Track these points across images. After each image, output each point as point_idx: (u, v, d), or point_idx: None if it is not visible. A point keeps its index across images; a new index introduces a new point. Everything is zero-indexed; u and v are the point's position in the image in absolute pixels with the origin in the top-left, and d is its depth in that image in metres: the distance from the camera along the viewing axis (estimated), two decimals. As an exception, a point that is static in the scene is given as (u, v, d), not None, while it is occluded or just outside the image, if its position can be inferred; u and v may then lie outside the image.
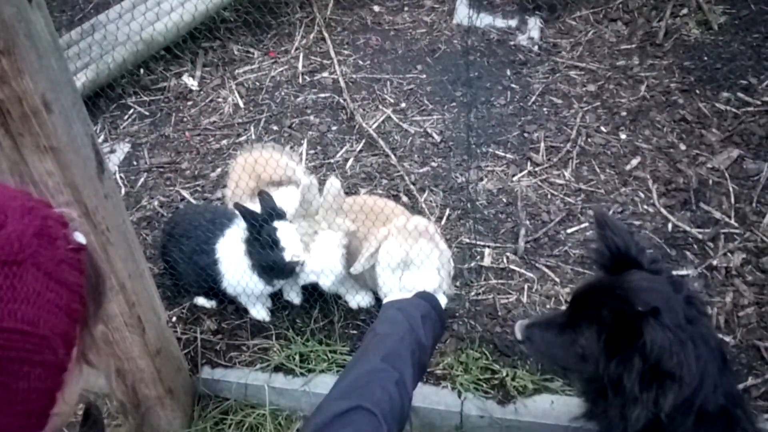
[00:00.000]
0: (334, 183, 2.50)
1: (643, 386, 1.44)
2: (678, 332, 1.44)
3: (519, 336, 1.78)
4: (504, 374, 2.47)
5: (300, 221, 2.54)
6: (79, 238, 0.98)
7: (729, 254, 2.82)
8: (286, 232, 2.47)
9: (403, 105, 3.73)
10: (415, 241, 2.38)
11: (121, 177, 3.47)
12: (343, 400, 1.42)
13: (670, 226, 2.96)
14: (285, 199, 2.67)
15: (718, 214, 2.98)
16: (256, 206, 2.65)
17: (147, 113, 3.85)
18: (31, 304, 0.87)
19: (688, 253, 2.86)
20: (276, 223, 2.48)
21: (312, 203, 2.51)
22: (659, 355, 1.40)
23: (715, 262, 2.79)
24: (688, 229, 2.93)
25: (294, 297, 2.79)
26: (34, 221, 0.91)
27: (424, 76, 3.90)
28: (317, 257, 2.48)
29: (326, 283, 2.54)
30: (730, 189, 3.07)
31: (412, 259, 2.36)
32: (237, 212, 2.59)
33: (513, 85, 3.77)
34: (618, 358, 1.50)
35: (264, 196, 2.53)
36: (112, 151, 3.61)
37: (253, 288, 2.60)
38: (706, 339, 1.51)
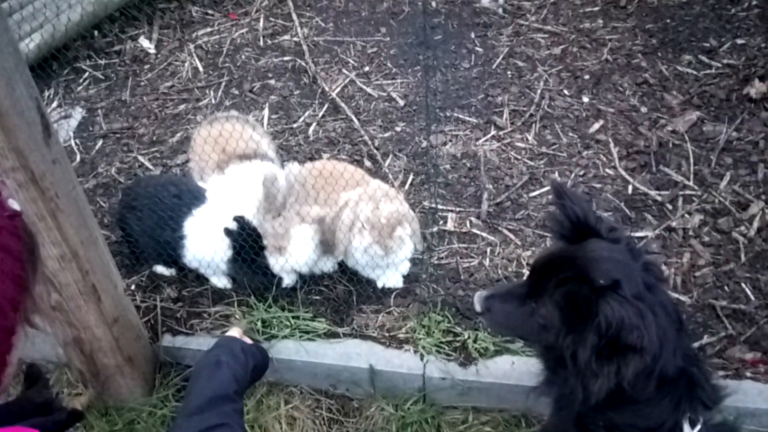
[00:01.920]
0: (293, 170, 2.47)
1: (602, 361, 1.45)
2: (637, 303, 1.44)
3: (478, 308, 1.77)
4: (466, 337, 2.48)
5: (270, 220, 2.52)
6: (14, 205, 0.99)
7: (687, 216, 2.85)
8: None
9: (367, 68, 3.68)
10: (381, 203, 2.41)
11: (76, 143, 3.37)
12: (205, 420, 1.59)
13: (630, 188, 2.98)
14: (249, 174, 2.63)
15: (677, 177, 3.01)
16: (220, 179, 2.63)
17: (102, 77, 3.73)
18: None
19: (647, 215, 2.89)
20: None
21: (277, 197, 2.49)
22: (617, 330, 1.40)
23: (673, 224, 2.83)
24: (647, 191, 2.96)
25: (225, 282, 2.77)
26: None
27: (388, 39, 3.84)
28: (296, 254, 2.51)
29: (304, 270, 2.58)
30: (690, 151, 3.10)
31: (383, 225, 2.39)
32: (203, 188, 2.63)
33: (477, 48, 3.74)
34: (573, 334, 1.50)
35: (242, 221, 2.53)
36: (67, 117, 3.50)
37: (220, 266, 2.61)
38: (664, 305, 1.52)
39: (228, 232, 2.48)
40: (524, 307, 1.66)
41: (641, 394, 1.54)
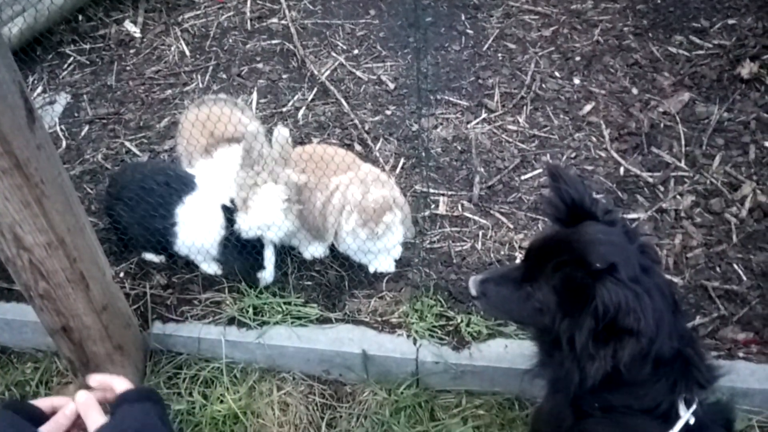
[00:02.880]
0: (282, 132, 2.42)
1: (599, 344, 1.44)
2: (634, 285, 1.43)
3: (473, 292, 1.75)
4: (459, 320, 2.48)
5: (239, 172, 2.46)
6: None
7: (679, 197, 2.85)
8: (270, 258, 2.58)
9: (356, 51, 3.63)
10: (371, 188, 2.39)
11: (61, 129, 3.32)
12: None
13: (622, 170, 2.97)
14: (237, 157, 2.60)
15: (668, 158, 3.00)
16: (208, 163, 2.62)
17: (87, 62, 3.67)
18: None
19: (639, 196, 2.88)
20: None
21: (257, 151, 2.43)
22: (614, 314, 1.40)
23: (665, 205, 2.82)
24: (639, 173, 2.95)
25: (216, 268, 2.73)
26: None
27: (377, 21, 3.80)
28: (257, 212, 2.42)
29: (273, 237, 2.50)
30: (681, 132, 3.09)
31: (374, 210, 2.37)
32: (193, 175, 2.61)
33: (467, 30, 3.70)
34: (570, 318, 1.49)
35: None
36: (52, 102, 3.45)
37: (211, 252, 2.58)
38: (660, 287, 1.51)
39: (225, 208, 2.45)
40: (520, 291, 1.65)
41: (637, 376, 1.54)
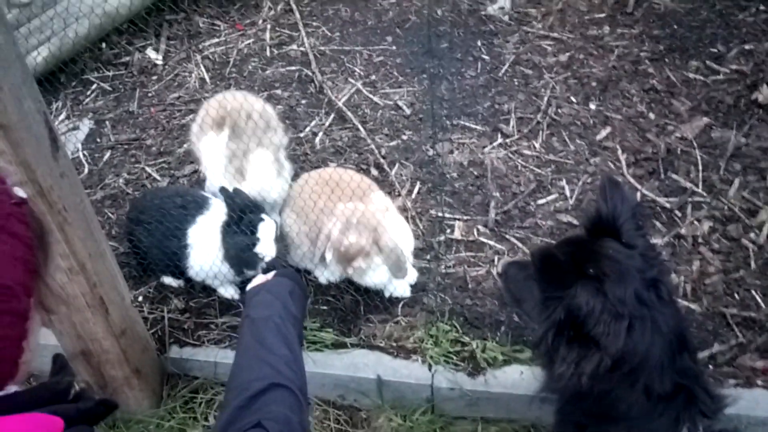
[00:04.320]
0: (255, 105, 2.57)
1: (566, 344, 1.47)
2: (617, 305, 1.44)
3: (500, 269, 1.84)
4: (474, 346, 2.47)
5: (229, 144, 2.58)
6: (20, 192, 1.03)
7: (696, 223, 2.83)
8: (267, 228, 2.48)
9: (373, 77, 3.68)
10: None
11: (84, 154, 3.39)
12: (257, 381, 1.37)
13: (638, 195, 2.97)
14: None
15: (686, 183, 2.99)
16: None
17: (110, 89, 3.75)
18: None
19: (656, 222, 2.87)
20: (264, 216, 2.50)
21: (239, 124, 2.59)
22: (586, 317, 1.42)
23: (682, 231, 2.81)
24: (656, 198, 2.94)
25: (233, 292, 2.76)
26: None
27: (394, 47, 3.85)
28: (255, 178, 2.54)
29: (270, 198, 2.63)
30: (698, 158, 3.08)
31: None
32: (210, 197, 2.61)
33: (483, 56, 3.73)
34: (548, 309, 1.52)
35: (236, 192, 2.51)
36: (75, 128, 3.52)
37: (223, 275, 2.60)
38: (656, 323, 1.50)
39: (224, 190, 2.49)
40: (529, 281, 1.70)
41: (633, 408, 1.54)
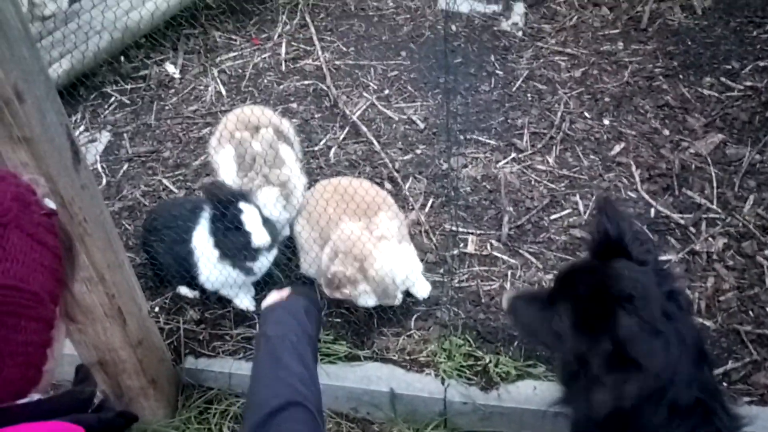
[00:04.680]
0: (266, 135, 2.62)
1: (608, 369, 1.46)
2: (650, 324, 1.45)
3: (505, 306, 1.85)
4: (487, 361, 2.48)
5: (235, 179, 2.65)
6: (50, 204, 1.06)
7: (711, 239, 2.83)
8: (251, 217, 2.44)
9: (387, 92, 3.71)
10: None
11: (102, 166, 3.43)
12: (274, 398, 1.39)
13: (653, 211, 2.97)
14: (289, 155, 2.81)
15: (700, 200, 2.99)
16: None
17: (128, 102, 3.81)
18: (20, 263, 0.94)
19: (670, 238, 2.87)
20: (241, 205, 2.44)
21: (245, 157, 2.62)
22: (627, 341, 1.42)
23: (697, 247, 2.80)
24: (670, 214, 2.94)
25: (248, 303, 2.77)
26: (9, 187, 1.01)
27: (408, 62, 3.88)
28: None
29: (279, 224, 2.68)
30: (713, 174, 3.08)
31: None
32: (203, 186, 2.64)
33: (497, 71, 3.76)
34: (588, 336, 1.52)
35: (216, 186, 2.52)
36: (93, 141, 3.57)
37: (226, 277, 2.60)
38: (681, 334, 1.51)
39: (205, 189, 2.50)
40: (543, 312, 1.70)
41: (652, 421, 1.54)
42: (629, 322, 1.42)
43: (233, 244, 2.46)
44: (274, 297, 1.81)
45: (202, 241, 2.57)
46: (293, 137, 3.07)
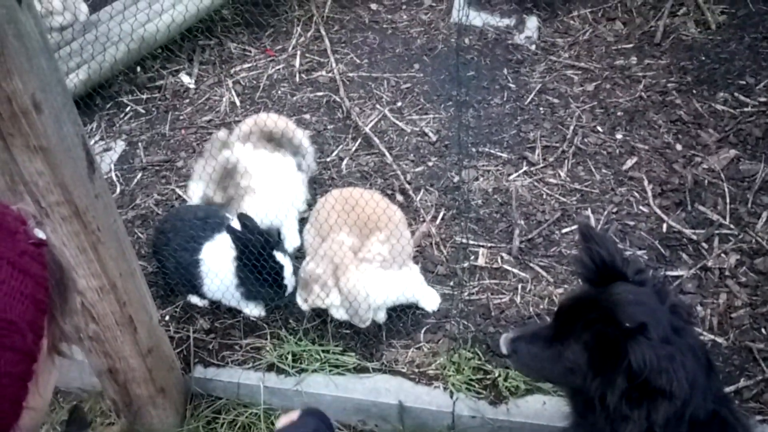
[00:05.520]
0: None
1: (632, 404, 1.44)
2: (665, 346, 1.43)
3: (505, 350, 1.78)
4: (496, 374, 2.47)
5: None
6: (39, 234, 1.01)
7: (723, 255, 2.81)
8: (287, 265, 2.59)
9: (400, 104, 3.73)
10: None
11: (116, 175, 3.47)
12: None
13: (665, 226, 2.95)
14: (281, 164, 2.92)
15: (713, 215, 2.97)
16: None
17: (143, 111, 3.85)
18: None
19: (682, 253, 2.85)
20: (277, 255, 2.56)
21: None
22: (647, 373, 1.40)
23: (709, 263, 2.79)
24: (682, 229, 2.93)
25: (258, 312, 2.80)
26: None
27: (421, 74, 3.89)
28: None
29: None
30: (726, 190, 3.06)
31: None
32: (229, 217, 2.66)
33: (510, 84, 3.76)
34: (602, 377, 1.50)
35: (245, 219, 2.55)
36: (108, 149, 3.61)
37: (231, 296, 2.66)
38: (692, 348, 1.50)
39: (230, 229, 2.49)
40: (551, 349, 1.66)
41: None
42: (645, 356, 1.40)
43: (261, 286, 2.57)
44: (283, 420, 1.79)
45: (216, 261, 2.61)
46: (307, 147, 3.10)
